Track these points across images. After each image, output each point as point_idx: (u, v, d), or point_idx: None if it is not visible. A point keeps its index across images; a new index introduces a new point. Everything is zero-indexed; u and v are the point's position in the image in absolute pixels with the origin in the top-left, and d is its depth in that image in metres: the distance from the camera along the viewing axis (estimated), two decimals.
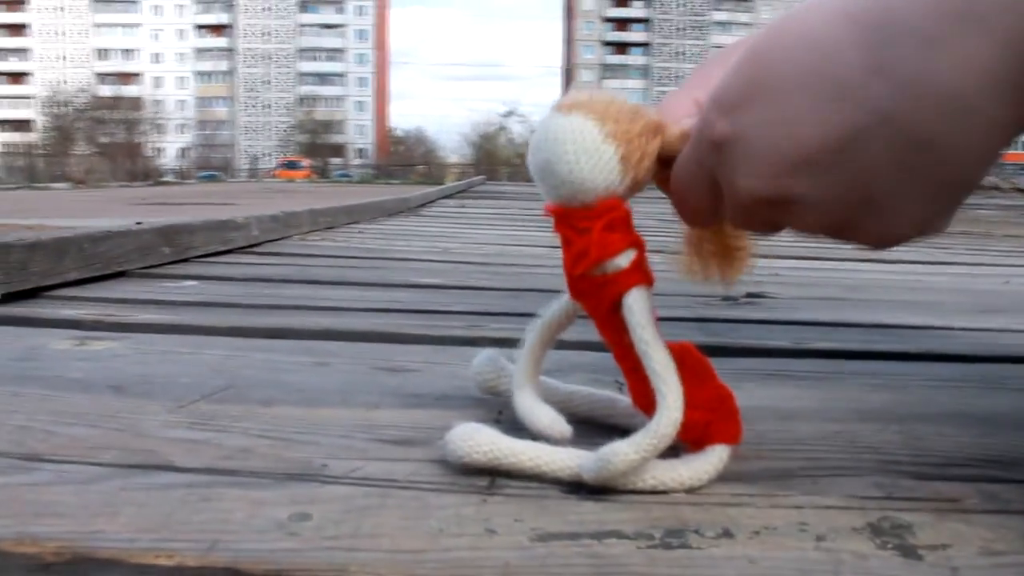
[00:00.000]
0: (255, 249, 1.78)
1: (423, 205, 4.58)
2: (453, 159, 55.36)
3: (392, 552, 0.34)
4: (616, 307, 0.43)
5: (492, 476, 0.42)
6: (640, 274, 0.43)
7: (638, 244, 0.44)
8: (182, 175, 40.30)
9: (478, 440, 0.42)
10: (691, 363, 0.45)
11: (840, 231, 0.40)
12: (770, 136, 0.38)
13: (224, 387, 0.58)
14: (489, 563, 0.33)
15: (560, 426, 0.46)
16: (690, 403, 0.42)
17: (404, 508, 0.38)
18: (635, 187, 0.44)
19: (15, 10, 59.55)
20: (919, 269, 1.88)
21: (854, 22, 0.35)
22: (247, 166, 46.35)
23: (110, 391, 0.57)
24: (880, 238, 0.39)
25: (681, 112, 0.44)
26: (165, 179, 30.49)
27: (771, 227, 0.42)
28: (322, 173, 43.78)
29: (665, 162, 0.44)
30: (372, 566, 0.33)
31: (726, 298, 1.21)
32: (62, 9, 59.13)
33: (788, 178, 0.38)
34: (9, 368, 0.64)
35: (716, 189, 0.41)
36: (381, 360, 0.69)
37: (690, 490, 0.41)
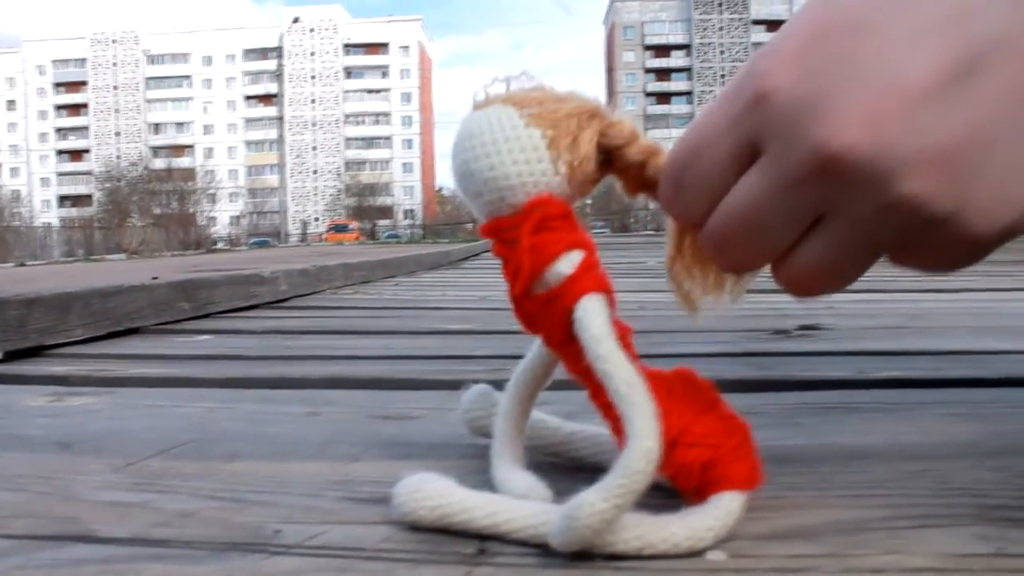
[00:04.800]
0: (282, 304, 1.72)
1: (465, 259, 4.52)
2: None
3: None
4: (571, 329, 0.34)
5: (482, 540, 0.33)
6: (589, 279, 0.34)
7: (584, 244, 0.35)
8: (233, 242, 41.00)
9: (426, 493, 0.34)
10: (688, 391, 0.36)
11: (932, 215, 0.29)
12: (863, 74, 0.29)
13: (189, 441, 0.50)
14: None
15: (538, 492, 0.36)
16: (685, 440, 0.34)
17: None
18: (575, 182, 0.35)
19: (74, 91, 61.61)
20: (984, 296, 1.76)
21: None
22: (297, 231, 47.02)
23: (55, 449, 0.49)
24: (986, 220, 0.30)
25: None
26: (217, 247, 31.01)
27: (798, 227, 0.32)
28: (371, 235, 44.25)
29: (609, 157, 0.36)
30: None
31: (777, 331, 1.12)
32: (116, 88, 61.04)
33: (892, 123, 0.28)
34: None
35: (743, 162, 0.32)
36: (382, 408, 0.60)
37: (689, 554, 0.32)
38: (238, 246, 35.31)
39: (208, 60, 62.34)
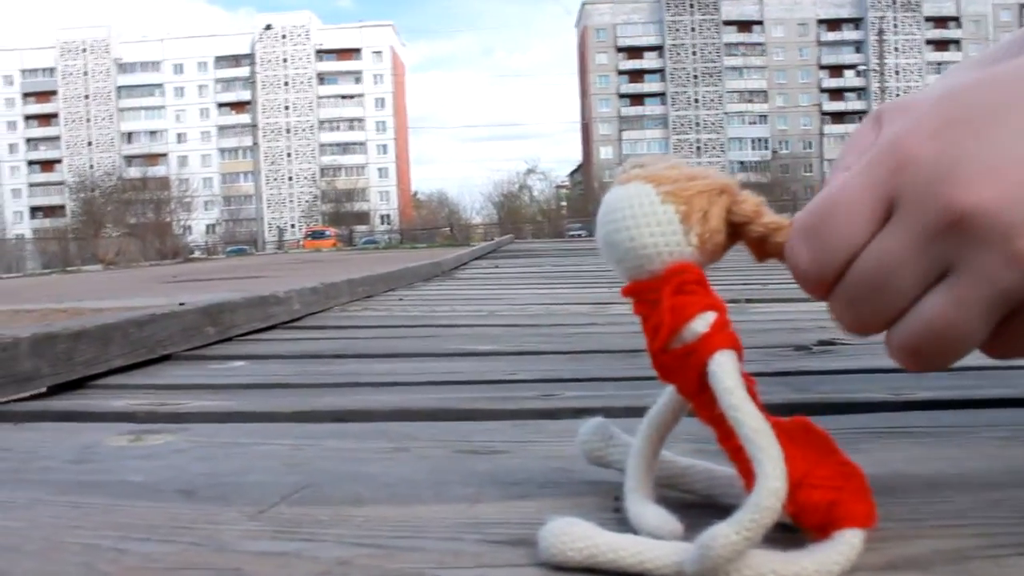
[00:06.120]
0: (297, 323, 1.74)
1: (456, 268, 4.55)
2: (476, 220, 55.70)
3: None
4: (704, 380, 0.38)
5: None
6: (722, 337, 0.38)
7: (717, 306, 0.39)
8: (210, 251, 40.78)
9: (573, 536, 0.38)
10: (808, 438, 0.40)
11: None
12: (995, 150, 0.34)
13: (303, 485, 0.53)
14: None
15: (670, 525, 0.40)
16: (809, 482, 0.37)
17: None
18: (706, 251, 0.39)
19: (44, 101, 61.05)
20: None
21: None
22: (274, 238, 46.86)
23: (179, 496, 0.51)
24: None
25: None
26: (194, 256, 30.84)
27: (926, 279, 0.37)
28: (348, 241, 44.16)
29: (737, 229, 0.40)
30: None
31: (798, 348, 1.16)
32: (87, 97, 60.56)
33: (1017, 188, 0.33)
34: (66, 472, 0.59)
35: (878, 220, 0.36)
36: (463, 441, 0.63)
37: None
38: (215, 255, 35.11)
39: (180, 68, 62.02)
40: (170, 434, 0.71)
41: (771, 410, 0.40)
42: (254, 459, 0.61)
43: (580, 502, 0.47)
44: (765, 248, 0.40)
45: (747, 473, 0.39)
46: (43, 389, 0.97)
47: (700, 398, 0.39)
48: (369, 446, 0.64)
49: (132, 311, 1.23)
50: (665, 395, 0.43)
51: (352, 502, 0.49)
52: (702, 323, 0.38)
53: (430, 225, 51.01)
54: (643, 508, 0.41)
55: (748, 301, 1.99)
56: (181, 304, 1.36)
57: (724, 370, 0.38)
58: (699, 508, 0.43)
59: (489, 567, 0.39)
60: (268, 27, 59.63)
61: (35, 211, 60.09)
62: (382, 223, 58.41)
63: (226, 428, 0.74)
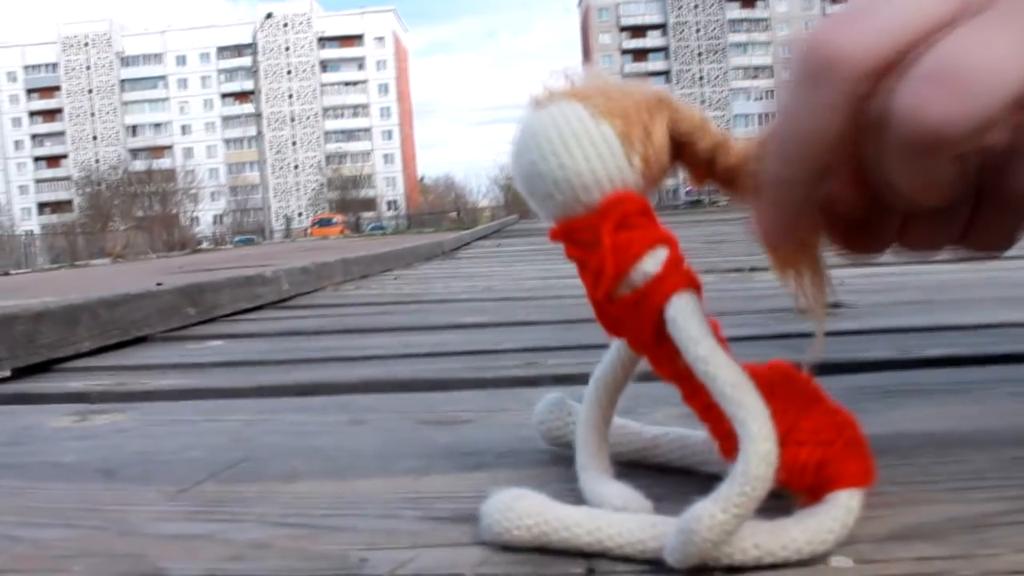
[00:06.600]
0: (286, 304, 1.69)
1: (458, 248, 4.50)
2: (483, 203, 55.58)
3: None
4: (661, 329, 0.32)
5: (587, 559, 0.31)
6: (678, 276, 0.32)
7: (667, 240, 0.33)
8: (218, 241, 40.82)
9: (521, 511, 0.32)
10: (788, 386, 0.33)
11: None
12: None
13: (239, 460, 0.47)
14: None
15: (636, 503, 0.34)
16: (793, 438, 0.31)
17: None
18: (650, 175, 0.33)
19: (48, 97, 61.03)
20: (991, 265, 1.74)
21: None
22: (281, 227, 46.88)
23: (99, 476, 0.46)
24: None
25: None
26: (202, 247, 30.86)
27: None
28: (355, 228, 44.16)
29: (681, 147, 0.33)
30: None
31: (802, 311, 1.10)
32: (91, 91, 60.51)
33: None
34: None
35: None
36: (428, 412, 0.58)
37: (811, 558, 0.30)
38: (223, 245, 35.15)
39: (182, 59, 61.84)
40: (119, 413, 0.66)
41: None
42: (198, 436, 0.56)
43: (541, 472, 0.41)
44: (709, 170, 0.34)
45: (722, 434, 0.33)
46: (7, 373, 0.92)
47: (657, 351, 0.33)
48: (325, 419, 0.58)
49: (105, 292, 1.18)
50: (612, 351, 0.37)
51: (285, 478, 0.43)
52: (653, 262, 0.32)
53: (437, 210, 50.95)
54: (600, 487, 0.35)
55: (752, 270, 1.93)
56: (158, 284, 1.31)
57: (685, 316, 0.32)
58: (671, 475, 0.38)
59: (424, 547, 0.33)
60: (269, 15, 59.45)
61: (43, 207, 60.09)
62: (389, 209, 58.28)
63: (180, 406, 0.69)
